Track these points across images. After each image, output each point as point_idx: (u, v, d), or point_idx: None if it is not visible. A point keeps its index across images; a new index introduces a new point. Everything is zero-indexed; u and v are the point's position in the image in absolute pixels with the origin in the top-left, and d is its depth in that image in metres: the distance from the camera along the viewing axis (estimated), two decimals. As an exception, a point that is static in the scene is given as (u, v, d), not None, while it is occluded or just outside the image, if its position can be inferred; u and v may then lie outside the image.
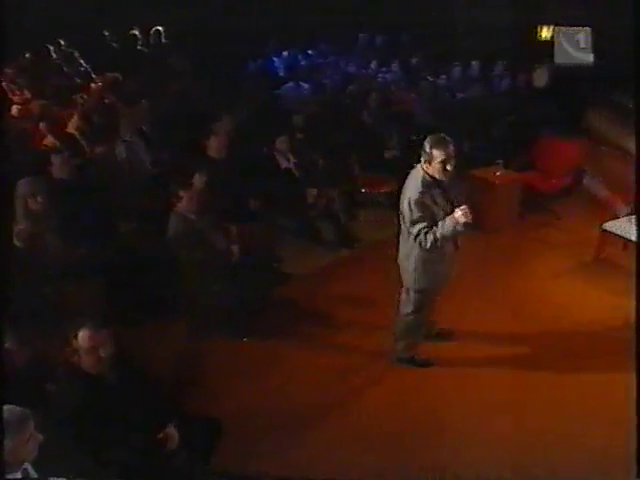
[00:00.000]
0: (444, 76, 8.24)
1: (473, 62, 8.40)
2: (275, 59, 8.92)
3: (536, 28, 8.09)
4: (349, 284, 4.75)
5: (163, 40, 8.48)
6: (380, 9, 9.03)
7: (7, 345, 2.62)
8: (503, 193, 5.74)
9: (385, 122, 6.73)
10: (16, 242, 3.46)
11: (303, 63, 8.99)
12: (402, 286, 3.72)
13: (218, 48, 8.12)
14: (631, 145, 7.18)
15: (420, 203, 3.28)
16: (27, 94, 6.04)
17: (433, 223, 3.27)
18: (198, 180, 4.17)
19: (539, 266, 5.15)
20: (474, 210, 3.27)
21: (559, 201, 6.03)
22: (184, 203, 3.96)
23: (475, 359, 3.92)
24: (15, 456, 2.02)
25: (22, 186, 3.73)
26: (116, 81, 5.98)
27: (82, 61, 7.30)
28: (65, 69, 7.24)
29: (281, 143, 5.25)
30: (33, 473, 2.10)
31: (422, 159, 3.34)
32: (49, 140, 5.02)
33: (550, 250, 5.44)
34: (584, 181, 6.60)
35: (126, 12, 7.56)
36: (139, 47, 8.11)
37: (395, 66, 8.64)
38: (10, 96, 5.93)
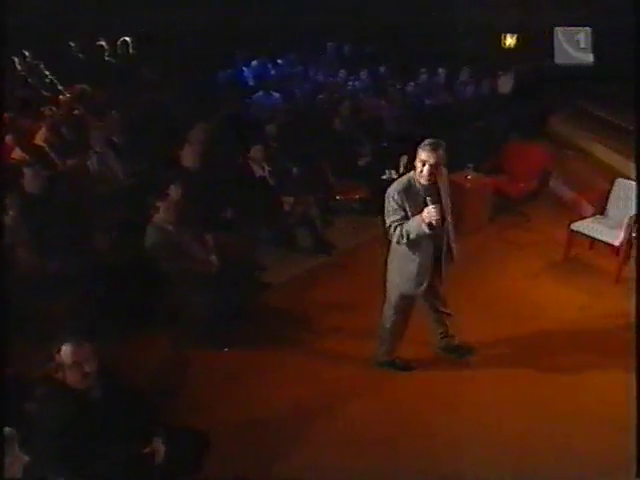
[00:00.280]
0: (412, 83, 8.39)
1: (440, 69, 8.61)
2: (244, 68, 8.95)
3: (501, 36, 8.35)
4: (329, 290, 4.78)
5: (131, 51, 8.39)
6: (348, 19, 9.18)
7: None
8: (474, 196, 5.86)
9: (357, 129, 6.82)
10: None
11: (272, 72, 9.03)
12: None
13: (187, 58, 8.11)
14: (594, 148, 7.49)
15: (397, 198, 3.34)
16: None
17: (405, 219, 3.34)
18: (174, 191, 4.14)
19: (511, 267, 5.27)
20: (444, 213, 3.34)
21: (528, 203, 6.19)
22: (161, 214, 3.94)
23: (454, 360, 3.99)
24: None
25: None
26: (85, 93, 5.89)
27: (48, 73, 7.16)
28: (30, 81, 7.10)
29: (256, 152, 5.27)
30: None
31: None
32: (17, 153, 4.92)
33: (521, 251, 5.57)
34: (550, 184, 6.82)
35: (93, 23, 7.48)
36: (106, 58, 8.00)
37: (364, 74, 8.77)
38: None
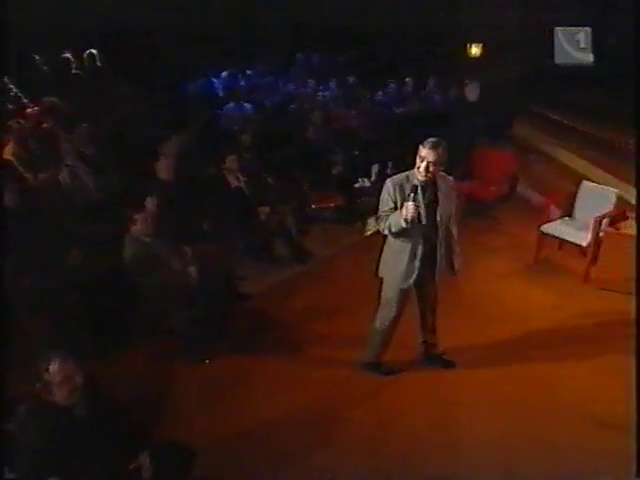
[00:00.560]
0: (381, 92, 8.54)
1: (407, 79, 8.78)
2: (214, 80, 8.94)
3: (466, 45, 8.57)
4: (309, 298, 4.80)
5: (98, 63, 8.28)
6: (317, 29, 9.29)
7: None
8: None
9: (329, 138, 6.90)
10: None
11: (242, 83, 9.04)
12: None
13: (155, 69, 8.06)
14: (557, 152, 7.76)
15: (391, 190, 3.42)
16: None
17: (394, 212, 3.42)
18: (150, 203, 4.12)
19: (484, 269, 5.38)
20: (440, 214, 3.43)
21: (498, 207, 6.35)
22: (139, 226, 3.91)
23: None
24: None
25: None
26: (54, 106, 5.79)
27: (12, 86, 7.00)
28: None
29: (231, 162, 5.27)
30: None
31: None
32: (-15, 168, 4.78)
33: (493, 254, 5.70)
34: (518, 188, 7.02)
35: (58, 35, 7.36)
36: (73, 71, 7.88)
37: (333, 84, 8.88)
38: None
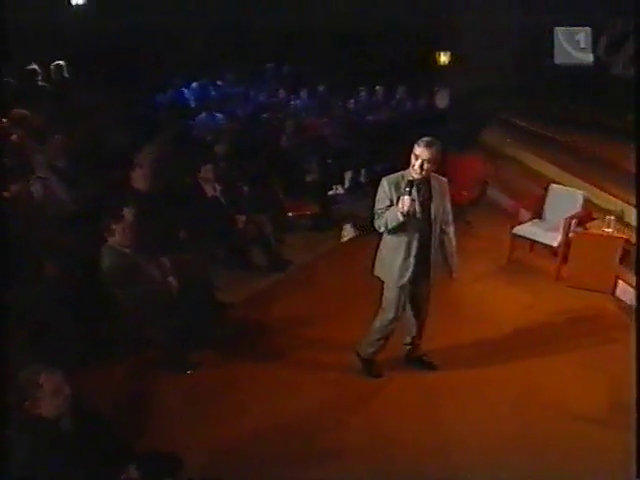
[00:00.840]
0: (352, 101, 8.65)
1: (377, 87, 8.93)
2: (184, 90, 8.92)
3: (435, 54, 8.77)
4: (291, 305, 4.82)
5: (65, 74, 8.14)
6: (285, 39, 9.37)
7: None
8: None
9: (302, 147, 6.95)
10: None
11: (213, 93, 9.05)
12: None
13: (126, 80, 7.99)
14: (523, 156, 7.98)
15: (386, 188, 3.50)
16: None
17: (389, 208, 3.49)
18: (127, 213, 4.07)
19: (460, 272, 5.48)
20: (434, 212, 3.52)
21: (471, 211, 6.48)
22: (117, 237, 3.86)
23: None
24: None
25: None
26: (23, 117, 5.67)
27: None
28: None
29: (206, 171, 5.25)
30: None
31: None
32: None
33: (468, 256, 5.78)
34: (488, 192, 7.19)
35: (24, 47, 7.22)
36: (40, 83, 7.73)
37: (304, 93, 8.96)
38: None
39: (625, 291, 5.06)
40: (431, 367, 4.07)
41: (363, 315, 4.58)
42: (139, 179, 4.76)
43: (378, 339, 3.90)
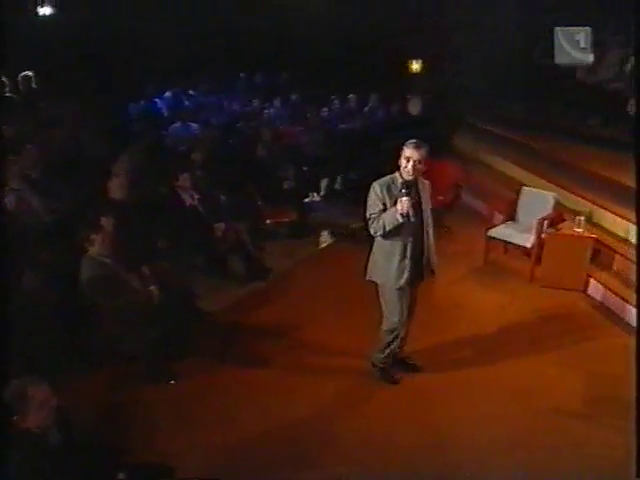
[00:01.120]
0: (326, 109, 8.73)
1: (350, 95, 9.03)
2: (157, 100, 8.87)
3: (406, 62, 8.93)
4: (272, 311, 4.83)
5: (33, 85, 8.03)
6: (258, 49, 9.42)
7: None
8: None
9: (279, 155, 6.98)
10: None
11: (187, 103, 9.02)
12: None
13: (96, 90, 7.91)
14: (492, 161, 8.18)
15: (378, 192, 3.53)
16: None
17: (383, 213, 3.52)
18: (106, 222, 4.03)
19: (438, 275, 5.58)
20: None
21: (447, 215, 6.60)
22: (97, 246, 3.81)
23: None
24: None
25: None
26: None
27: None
28: None
29: (184, 180, 5.24)
30: None
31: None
32: None
33: (445, 259, 5.89)
34: (462, 196, 7.33)
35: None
36: (7, 94, 7.59)
37: (277, 102, 9.01)
38: None
39: (596, 289, 5.23)
40: (415, 369, 4.11)
41: (347, 319, 4.67)
42: (116, 189, 4.72)
43: (388, 345, 3.89)
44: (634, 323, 4.68)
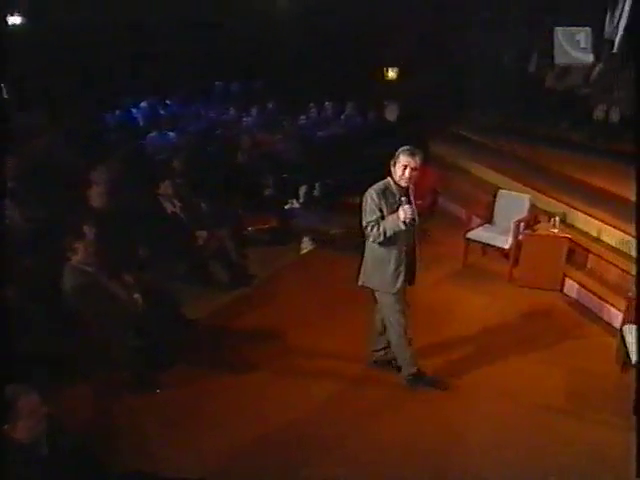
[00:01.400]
0: (303, 117, 8.79)
1: (327, 103, 9.12)
2: (133, 109, 8.80)
3: (383, 70, 9.06)
4: (257, 317, 4.82)
5: (5, 96, 7.89)
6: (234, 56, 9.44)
7: None
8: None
9: (258, 162, 7.00)
10: None
11: (163, 112, 8.97)
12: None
13: (73, 99, 7.83)
14: (468, 166, 8.35)
15: (375, 198, 3.53)
16: None
17: (381, 220, 3.52)
18: (88, 231, 3.99)
19: (419, 278, 5.64)
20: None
21: (426, 220, 6.68)
22: (80, 255, 3.77)
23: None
24: None
25: None
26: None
27: None
28: None
29: (165, 188, 5.22)
30: None
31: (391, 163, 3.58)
32: None
33: (426, 263, 5.97)
34: (439, 201, 7.45)
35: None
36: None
37: (254, 111, 9.03)
38: None
39: (572, 287, 5.37)
40: (400, 371, 4.11)
41: (332, 322, 4.70)
42: (96, 197, 4.67)
43: (406, 349, 3.88)
44: (609, 319, 4.86)
